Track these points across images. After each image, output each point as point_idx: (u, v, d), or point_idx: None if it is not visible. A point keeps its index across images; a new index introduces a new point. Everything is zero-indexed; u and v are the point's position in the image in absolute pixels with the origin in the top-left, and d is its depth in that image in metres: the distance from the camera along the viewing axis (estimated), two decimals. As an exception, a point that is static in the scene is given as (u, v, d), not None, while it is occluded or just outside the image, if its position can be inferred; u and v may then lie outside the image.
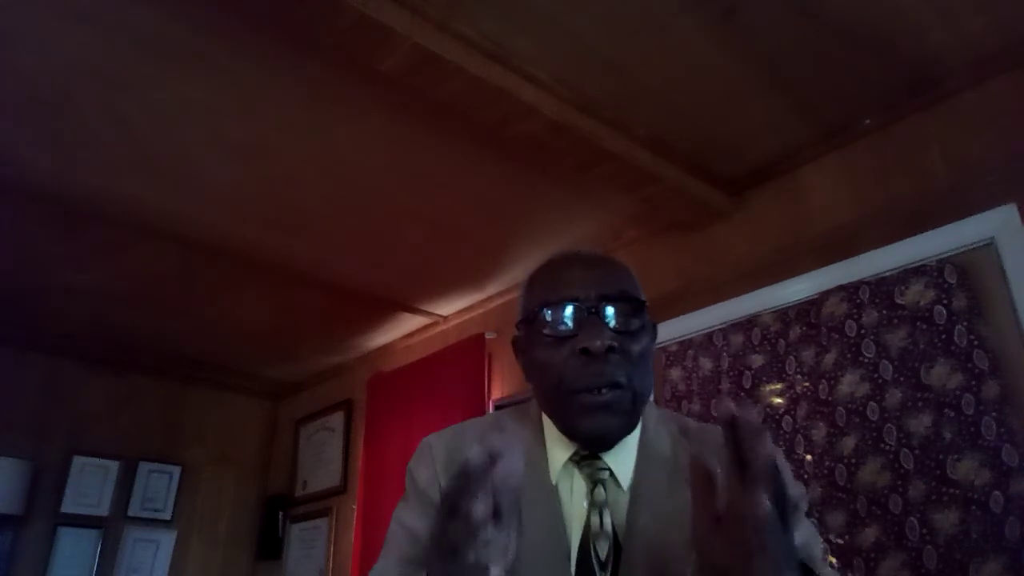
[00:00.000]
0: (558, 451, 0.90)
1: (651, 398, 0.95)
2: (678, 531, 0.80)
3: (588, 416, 0.84)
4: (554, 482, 0.88)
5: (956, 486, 1.64)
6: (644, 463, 0.89)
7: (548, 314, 0.88)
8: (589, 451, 0.88)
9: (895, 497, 1.73)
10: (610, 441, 0.88)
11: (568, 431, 0.88)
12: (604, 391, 0.84)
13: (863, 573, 1.73)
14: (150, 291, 3.13)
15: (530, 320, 0.91)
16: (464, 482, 0.67)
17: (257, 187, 2.40)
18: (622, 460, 0.88)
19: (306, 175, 2.34)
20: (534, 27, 1.72)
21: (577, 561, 0.82)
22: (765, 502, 0.62)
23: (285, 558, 3.79)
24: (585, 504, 0.86)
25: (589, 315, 0.86)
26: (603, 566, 0.82)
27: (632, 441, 0.90)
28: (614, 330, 0.86)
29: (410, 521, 0.89)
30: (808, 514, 1.85)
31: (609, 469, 0.88)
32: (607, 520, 0.85)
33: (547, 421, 0.92)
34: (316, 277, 2.99)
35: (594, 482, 0.87)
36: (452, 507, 0.68)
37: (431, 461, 0.92)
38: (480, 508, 0.67)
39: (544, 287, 0.92)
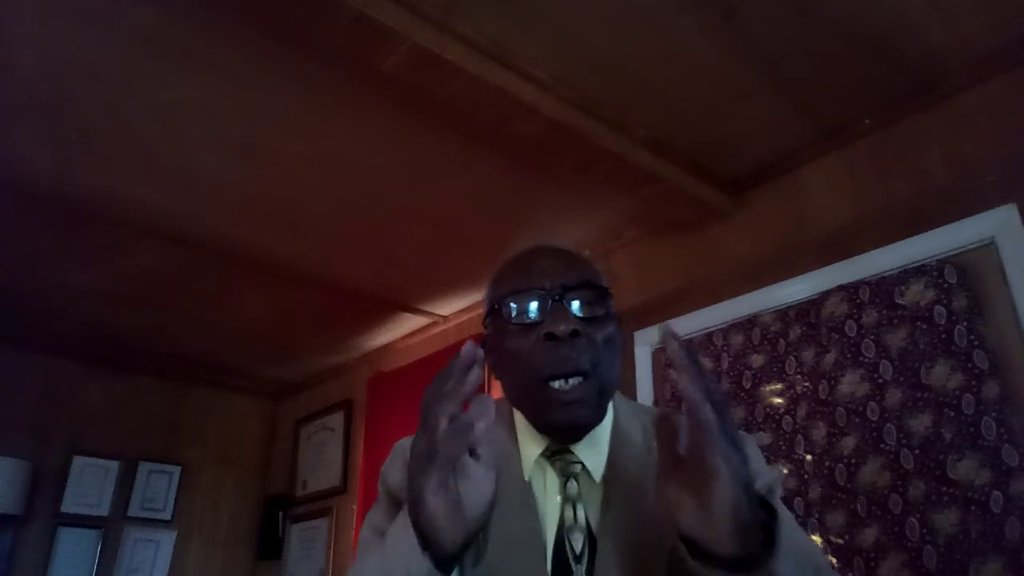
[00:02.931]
0: (530, 446, 0.91)
1: (621, 392, 0.96)
2: (653, 523, 0.81)
3: (557, 409, 0.85)
4: (527, 478, 0.89)
5: (956, 486, 1.64)
6: (616, 455, 0.89)
7: (513, 304, 0.89)
8: (560, 444, 0.89)
9: (895, 497, 1.73)
10: (581, 433, 0.88)
11: (539, 424, 0.89)
12: (571, 381, 0.84)
13: (863, 573, 1.73)
14: (150, 291, 3.13)
15: (496, 312, 0.92)
16: None
17: (257, 187, 2.40)
18: (594, 453, 0.89)
19: (306, 175, 2.34)
20: (534, 27, 1.72)
21: (552, 555, 0.83)
22: (709, 412, 0.65)
23: (285, 558, 3.79)
24: (559, 499, 0.87)
25: (553, 303, 0.87)
26: (578, 559, 0.83)
27: (603, 433, 0.91)
28: (579, 317, 0.87)
29: (381, 524, 0.88)
30: (808, 514, 1.86)
31: (581, 463, 0.88)
32: (580, 514, 0.85)
33: (518, 417, 0.93)
34: (316, 277, 2.99)
35: (566, 476, 0.88)
36: None
37: (404, 464, 0.89)
38: None
39: (509, 279, 0.93)
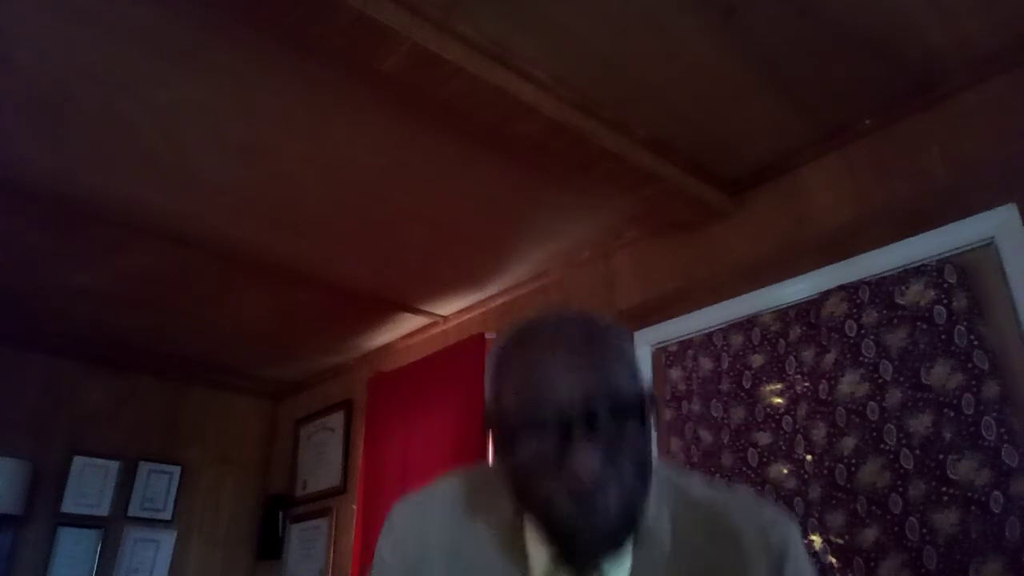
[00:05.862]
0: (540, 549, 0.80)
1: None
2: None
3: (575, 546, 0.74)
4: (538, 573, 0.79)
5: (956, 486, 1.64)
6: (641, 563, 0.79)
7: (523, 435, 0.75)
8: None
9: (895, 497, 1.73)
10: (599, 564, 0.77)
11: (553, 548, 0.77)
12: (592, 519, 0.72)
13: (863, 573, 1.73)
14: (150, 291, 3.13)
15: (501, 431, 0.79)
16: None
17: (257, 187, 2.40)
18: (617, 560, 0.78)
19: (306, 175, 2.34)
20: (534, 27, 1.72)
21: None
22: None
23: (285, 558, 3.79)
24: None
25: (575, 432, 0.72)
26: None
27: (626, 542, 0.78)
28: (607, 444, 0.73)
29: None
30: (808, 514, 1.86)
31: (601, 571, 0.77)
32: None
33: (528, 518, 0.81)
34: (316, 277, 2.99)
35: None
36: None
37: (395, 541, 0.86)
38: None
39: (517, 391, 0.77)
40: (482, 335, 3.01)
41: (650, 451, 0.79)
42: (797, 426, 1.98)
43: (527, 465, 0.75)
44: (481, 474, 0.90)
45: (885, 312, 1.88)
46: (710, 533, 0.81)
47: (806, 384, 2.00)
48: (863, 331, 1.90)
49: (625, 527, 0.75)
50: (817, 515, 1.85)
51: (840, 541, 1.79)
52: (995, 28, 1.77)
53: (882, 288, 1.90)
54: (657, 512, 0.81)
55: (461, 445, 2.87)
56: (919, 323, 1.81)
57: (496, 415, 0.80)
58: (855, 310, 1.93)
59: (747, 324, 2.19)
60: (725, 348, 2.22)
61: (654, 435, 0.86)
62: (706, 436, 2.17)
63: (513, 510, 0.82)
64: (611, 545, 0.74)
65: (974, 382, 1.69)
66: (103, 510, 3.57)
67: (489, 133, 2.06)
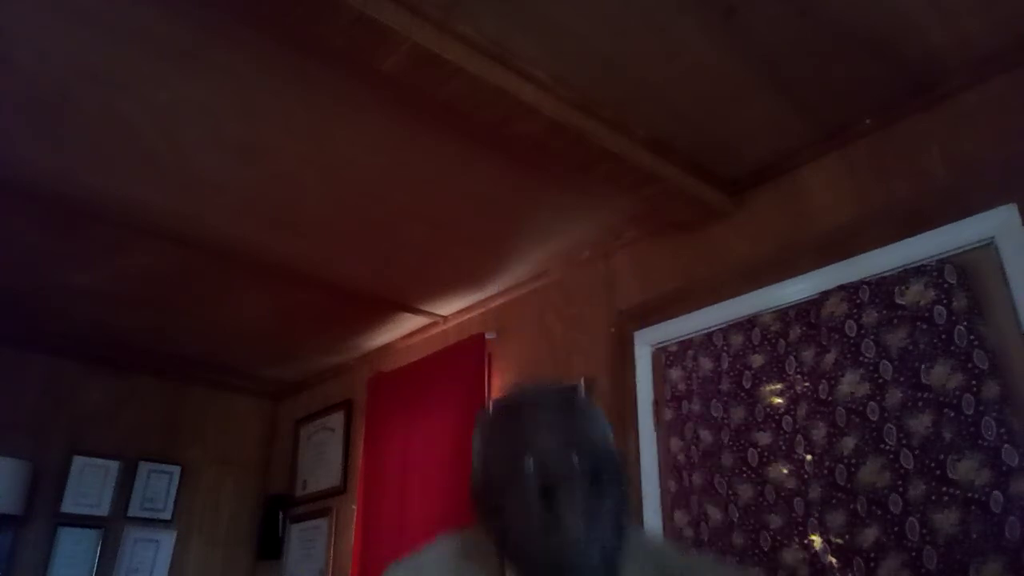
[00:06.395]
0: None
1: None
2: None
3: None
4: None
5: (956, 486, 1.64)
6: None
7: (510, 493, 0.82)
8: None
9: (895, 497, 1.73)
10: None
11: None
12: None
13: (863, 573, 1.73)
14: (150, 291, 3.13)
15: (489, 495, 0.87)
16: None
17: (257, 187, 2.40)
18: None
19: (306, 175, 2.34)
20: (534, 27, 1.72)
21: None
22: None
23: (285, 558, 3.79)
24: None
25: (559, 489, 0.80)
26: None
27: None
28: (588, 502, 0.80)
29: None
30: (808, 514, 1.86)
31: None
32: None
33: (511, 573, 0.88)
34: (316, 277, 3.00)
35: None
36: None
37: None
38: None
39: (504, 454, 0.85)
40: (482, 335, 3.01)
41: (627, 510, 0.87)
42: (797, 426, 1.98)
43: (514, 523, 0.81)
44: (470, 536, 0.95)
45: (885, 312, 1.88)
46: None
47: (806, 384, 2.00)
48: (863, 331, 1.90)
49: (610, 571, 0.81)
50: (817, 515, 1.85)
51: (840, 541, 1.79)
52: (995, 28, 1.77)
53: (882, 288, 1.90)
54: (634, 567, 0.87)
55: (461, 445, 2.87)
56: (919, 323, 1.81)
57: (483, 481, 0.87)
58: (855, 310, 1.93)
59: (747, 324, 2.19)
60: (725, 348, 2.22)
61: (628, 497, 0.92)
62: (706, 436, 2.17)
63: (499, 565, 0.87)
64: None
65: (974, 382, 1.69)
66: (103, 510, 3.57)
67: (489, 133, 2.06)
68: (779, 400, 2.05)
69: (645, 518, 2.23)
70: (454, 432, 2.92)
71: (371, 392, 3.51)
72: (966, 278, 1.78)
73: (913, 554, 1.67)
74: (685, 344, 2.34)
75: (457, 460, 2.85)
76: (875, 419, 1.81)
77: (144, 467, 3.75)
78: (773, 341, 2.12)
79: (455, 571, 0.91)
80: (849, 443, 1.84)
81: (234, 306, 3.28)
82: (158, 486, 3.77)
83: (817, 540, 1.84)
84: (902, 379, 1.80)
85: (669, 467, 2.26)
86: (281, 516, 3.90)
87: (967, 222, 1.82)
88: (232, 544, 3.95)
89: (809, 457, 1.92)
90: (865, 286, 1.94)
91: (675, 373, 2.34)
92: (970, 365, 1.70)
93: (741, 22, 1.72)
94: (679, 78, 1.90)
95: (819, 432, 1.91)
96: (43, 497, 3.41)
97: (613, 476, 0.85)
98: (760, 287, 2.19)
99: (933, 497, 1.67)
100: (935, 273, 1.82)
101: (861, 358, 1.88)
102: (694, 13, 1.69)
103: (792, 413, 2.01)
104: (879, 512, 1.74)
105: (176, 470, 3.84)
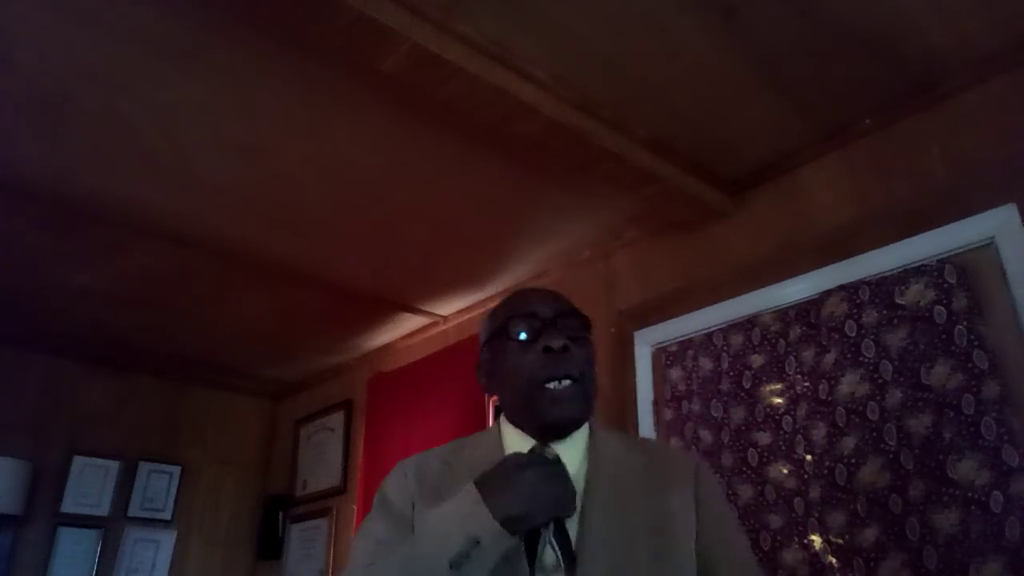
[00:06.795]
0: (519, 445, 1.07)
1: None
2: (632, 507, 1.02)
3: (554, 404, 1.04)
4: None
5: (956, 486, 1.64)
6: (595, 453, 1.08)
7: (516, 325, 1.09)
8: (546, 441, 1.06)
9: (895, 497, 1.73)
10: (569, 427, 1.07)
11: (534, 421, 1.06)
12: (564, 383, 1.04)
13: (863, 573, 1.73)
14: (150, 291, 3.13)
15: (499, 333, 1.11)
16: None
17: (257, 187, 2.40)
18: (568, 449, 1.06)
19: (306, 175, 2.34)
20: (534, 27, 1.72)
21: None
22: None
23: (285, 558, 3.79)
24: None
25: (547, 325, 1.08)
26: (545, 524, 0.97)
27: (580, 438, 1.09)
28: (569, 336, 1.07)
29: (378, 533, 1.03)
30: (808, 514, 1.86)
31: (556, 456, 1.02)
32: None
33: (507, 427, 1.12)
34: (316, 277, 2.99)
35: None
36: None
37: (403, 476, 1.10)
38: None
39: (509, 309, 1.14)
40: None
41: (594, 360, 1.12)
42: (797, 426, 1.98)
43: (516, 352, 1.07)
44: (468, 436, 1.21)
45: (885, 312, 1.88)
46: (644, 450, 1.14)
47: (806, 384, 2.00)
48: (863, 331, 1.90)
49: (586, 401, 1.06)
50: (817, 515, 1.85)
51: (840, 541, 1.79)
52: (995, 28, 1.77)
53: (882, 288, 1.90)
54: (604, 431, 1.14)
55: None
56: (919, 323, 1.81)
57: (492, 335, 1.13)
58: (855, 310, 1.93)
59: (747, 324, 2.19)
60: (725, 348, 2.22)
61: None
62: (706, 436, 2.17)
63: (493, 432, 1.13)
64: (575, 411, 1.05)
65: (974, 382, 1.69)
66: (103, 510, 3.57)
67: (489, 133, 2.06)
68: (779, 400, 2.05)
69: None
70: (454, 432, 2.92)
71: (371, 392, 3.51)
72: (966, 278, 1.78)
73: (913, 554, 1.66)
74: (685, 344, 2.34)
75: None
76: (875, 419, 1.81)
77: (144, 467, 3.75)
78: (773, 341, 2.12)
79: (454, 450, 1.14)
80: (849, 443, 1.84)
81: (234, 306, 3.28)
82: (158, 486, 3.77)
83: (817, 540, 1.84)
84: (902, 379, 1.80)
85: (669, 467, 2.26)
86: (281, 516, 3.90)
87: (967, 222, 1.82)
88: (232, 544, 3.95)
89: (809, 457, 1.92)
90: (865, 286, 1.93)
91: (675, 373, 2.34)
92: (970, 365, 1.70)
93: (741, 22, 1.72)
94: (679, 78, 1.90)
95: (819, 432, 1.91)
96: (43, 497, 3.41)
97: (585, 335, 1.11)
98: (760, 287, 2.19)
99: (933, 497, 1.67)
100: (935, 273, 1.82)
101: (861, 358, 1.88)
102: (694, 13, 1.69)
103: (792, 413, 2.01)
104: (879, 512, 1.74)
105: (176, 470, 3.84)
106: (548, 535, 0.97)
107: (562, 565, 0.95)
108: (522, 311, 1.10)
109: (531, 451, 1.03)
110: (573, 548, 0.97)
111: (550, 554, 0.96)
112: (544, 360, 1.04)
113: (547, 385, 1.03)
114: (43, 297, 3.17)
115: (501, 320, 1.12)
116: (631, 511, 1.01)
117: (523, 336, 1.08)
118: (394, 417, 3.28)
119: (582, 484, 1.03)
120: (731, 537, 1.09)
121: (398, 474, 1.11)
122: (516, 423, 1.10)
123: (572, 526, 0.99)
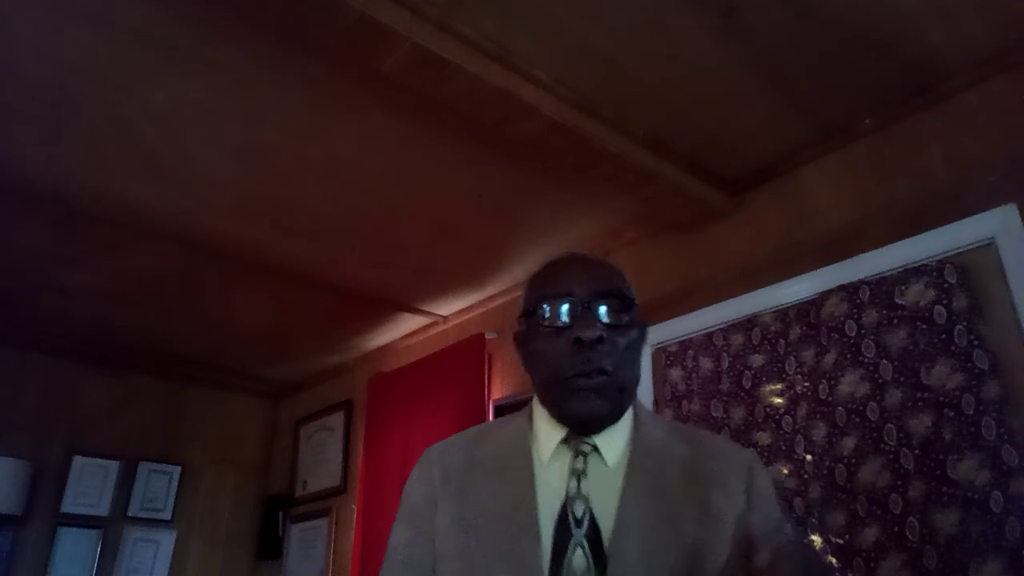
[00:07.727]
0: (550, 433, 1.00)
1: (645, 401, 1.06)
2: (673, 508, 0.93)
3: (578, 399, 0.95)
4: (545, 460, 0.98)
5: (956, 486, 1.64)
6: (638, 445, 0.99)
7: (547, 308, 0.98)
8: (578, 433, 0.98)
9: (895, 497, 1.73)
10: (597, 423, 0.97)
11: (560, 413, 0.98)
12: (593, 376, 0.94)
13: (863, 573, 1.73)
14: (150, 291, 3.13)
15: (530, 314, 1.01)
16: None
17: (257, 187, 2.40)
18: (610, 440, 0.98)
19: (306, 175, 2.34)
20: (534, 27, 1.72)
21: (557, 520, 0.92)
22: None
23: (285, 558, 3.79)
24: (567, 473, 0.96)
25: (583, 309, 0.96)
26: (579, 523, 0.92)
27: (623, 428, 1.00)
28: (605, 324, 0.96)
29: (398, 540, 1.03)
30: (808, 514, 1.86)
31: (594, 445, 0.97)
32: (583, 486, 0.94)
33: (539, 410, 1.03)
34: (316, 277, 2.99)
35: (576, 453, 0.97)
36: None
37: (428, 472, 1.04)
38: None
39: (544, 284, 1.02)
40: (482, 335, 3.01)
41: (640, 346, 1.02)
42: (797, 426, 1.98)
43: (546, 338, 0.97)
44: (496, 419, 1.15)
45: (885, 312, 1.88)
46: (692, 441, 1.03)
47: (806, 384, 2.00)
48: (863, 331, 1.90)
49: (617, 395, 0.97)
50: (817, 515, 1.85)
51: (840, 541, 1.79)
52: (995, 29, 1.77)
53: (882, 288, 1.90)
54: (652, 421, 1.05)
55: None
56: (919, 323, 1.81)
57: (525, 312, 1.03)
58: (855, 310, 1.93)
59: (747, 324, 2.19)
60: (725, 348, 2.22)
61: (646, 347, 1.08)
62: (706, 436, 2.17)
63: (523, 416, 1.05)
64: (601, 408, 0.95)
65: (974, 382, 1.69)
66: (103, 510, 3.57)
67: (489, 133, 2.06)
68: (779, 400, 2.05)
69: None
70: (454, 432, 2.92)
71: (371, 392, 3.51)
72: (966, 278, 1.78)
73: (913, 554, 1.66)
74: (685, 344, 2.34)
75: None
76: (875, 419, 1.81)
77: (144, 467, 3.74)
78: (773, 341, 2.12)
79: (476, 439, 1.06)
80: (849, 443, 1.84)
81: (234, 306, 3.28)
82: (158, 486, 3.77)
83: (817, 540, 1.84)
84: (902, 379, 1.80)
85: (669, 467, 2.26)
86: (281, 516, 3.90)
87: (967, 222, 1.82)
88: (232, 544, 3.95)
89: (809, 457, 1.92)
90: (865, 286, 1.93)
91: (675, 373, 2.34)
92: (970, 365, 1.70)
93: (741, 22, 1.72)
94: (679, 78, 1.90)
95: (819, 432, 1.91)
96: (43, 497, 3.41)
97: (629, 315, 1.00)
98: (760, 287, 2.19)
99: (933, 497, 1.67)
100: (935, 273, 1.82)
101: (861, 358, 1.88)
102: (694, 13, 1.69)
103: (792, 413, 2.01)
104: (879, 512, 1.74)
105: (176, 470, 3.84)
106: (579, 536, 0.90)
107: (593, 571, 0.89)
108: (555, 290, 0.98)
109: (563, 440, 0.98)
110: (606, 553, 0.90)
111: (580, 558, 0.90)
112: (574, 353, 0.94)
113: (574, 379, 0.94)
114: (43, 297, 3.17)
115: (535, 299, 1.01)
116: (670, 511, 0.93)
117: (553, 322, 0.97)
118: (394, 417, 3.28)
119: (621, 479, 0.95)
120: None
121: (422, 468, 1.05)
122: (548, 409, 1.01)
123: (606, 524, 0.91)
